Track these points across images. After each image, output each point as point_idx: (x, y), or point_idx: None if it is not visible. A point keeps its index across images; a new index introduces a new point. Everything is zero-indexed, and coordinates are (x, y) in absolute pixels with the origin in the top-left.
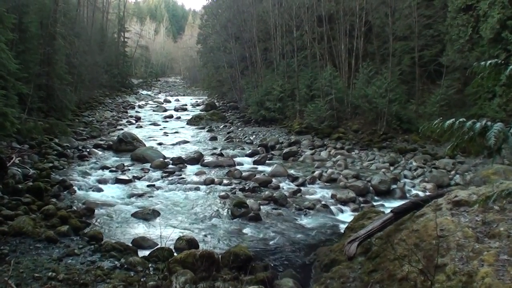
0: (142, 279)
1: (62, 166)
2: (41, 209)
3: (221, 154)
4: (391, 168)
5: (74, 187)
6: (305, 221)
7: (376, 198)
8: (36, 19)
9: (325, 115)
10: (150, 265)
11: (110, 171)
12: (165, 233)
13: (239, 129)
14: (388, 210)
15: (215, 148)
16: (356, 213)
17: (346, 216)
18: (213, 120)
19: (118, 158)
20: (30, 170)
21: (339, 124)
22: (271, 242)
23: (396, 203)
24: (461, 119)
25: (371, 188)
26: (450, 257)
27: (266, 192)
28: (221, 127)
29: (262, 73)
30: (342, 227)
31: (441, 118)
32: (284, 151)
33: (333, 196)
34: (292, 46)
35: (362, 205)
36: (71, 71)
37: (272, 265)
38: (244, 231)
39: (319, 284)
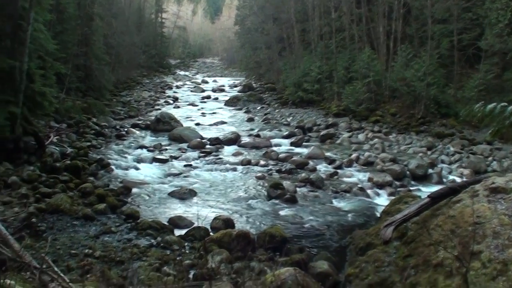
0: (178, 258)
1: (100, 145)
2: (79, 187)
3: (258, 135)
4: (428, 152)
5: (111, 166)
6: (341, 204)
7: (412, 182)
8: (74, 0)
9: (363, 98)
10: (186, 244)
11: (148, 151)
12: (201, 212)
13: (276, 111)
14: (425, 195)
15: (252, 129)
16: (393, 197)
17: (382, 199)
18: (251, 101)
19: (155, 138)
20: (68, 149)
21: (376, 107)
22: (306, 224)
23: (433, 188)
24: (502, 104)
25: (408, 172)
26: (486, 245)
27: (303, 174)
28: (258, 108)
29: (299, 55)
30: (378, 210)
31: (482, 102)
32: (321, 133)
33: (369, 180)
34: (330, 28)
35: (398, 189)
36: (109, 51)
37: (307, 247)
38: (280, 212)
39: (354, 267)
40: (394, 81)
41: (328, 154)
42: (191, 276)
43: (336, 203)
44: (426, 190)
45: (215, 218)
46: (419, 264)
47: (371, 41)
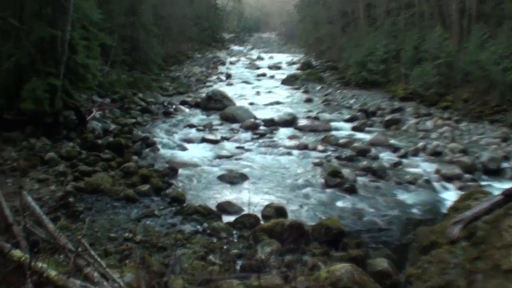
0: (225, 246)
1: (146, 122)
2: (121, 166)
3: (316, 118)
4: (503, 144)
5: (157, 145)
6: (404, 196)
7: (484, 177)
8: None
9: (432, 81)
10: (234, 232)
11: (197, 130)
12: (252, 199)
13: (338, 92)
14: (497, 191)
15: (310, 111)
16: (462, 192)
17: (450, 194)
18: (309, 80)
19: (205, 117)
20: (111, 125)
21: (447, 92)
22: (366, 217)
23: (507, 185)
24: None
25: (479, 165)
26: None
27: (364, 162)
28: (317, 88)
29: (364, 31)
30: (445, 206)
31: None
32: (386, 118)
33: (437, 171)
34: (398, 3)
35: (468, 183)
36: (157, 22)
37: (366, 242)
38: (338, 203)
39: (416, 267)
40: (467, 64)
41: (392, 141)
42: (238, 267)
43: (399, 195)
44: (499, 186)
45: (267, 206)
46: (488, 269)
47: (443, 19)
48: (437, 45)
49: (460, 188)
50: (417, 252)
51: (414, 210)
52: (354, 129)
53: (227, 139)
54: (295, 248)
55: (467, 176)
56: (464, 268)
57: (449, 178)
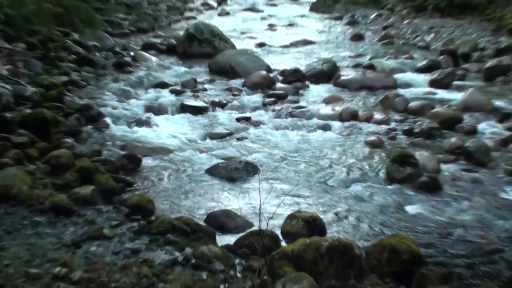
0: (222, 286)
1: (86, 82)
2: (46, 156)
3: (371, 67)
4: None
5: (106, 118)
6: None
7: None
8: None
9: None
10: (237, 260)
11: (171, 92)
12: (266, 205)
13: (405, 22)
14: None
15: (360, 55)
16: None
17: None
18: (358, 3)
19: (185, 69)
20: (28, 87)
21: None
22: (457, 231)
23: None
24: None
25: None
26: None
27: (453, 140)
28: (371, 16)
29: None
30: None
31: None
32: (488, 65)
33: None
34: None
35: None
36: None
37: (460, 273)
38: (409, 209)
39: None
40: None
41: (499, 103)
42: None
43: None
44: None
45: (291, 216)
46: None
47: None
48: None
49: None
50: None
51: None
52: (434, 84)
53: (221, 106)
54: (340, 285)
55: None
56: None
57: None
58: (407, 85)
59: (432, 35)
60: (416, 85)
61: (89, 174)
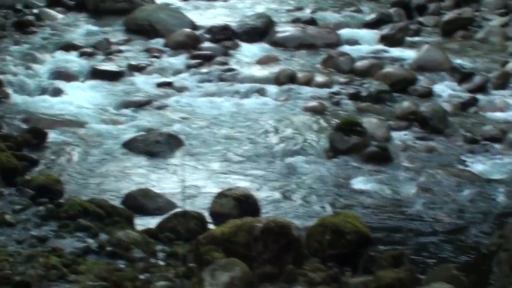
0: (142, 276)
1: None
2: None
3: (312, 22)
4: None
5: (6, 87)
6: (483, 166)
7: None
8: None
9: None
10: (159, 247)
11: (81, 55)
12: (191, 182)
13: None
14: None
15: (299, 9)
16: None
17: None
18: None
19: (98, 29)
20: None
21: None
22: (409, 208)
23: None
24: None
25: None
26: None
27: (405, 104)
28: None
29: None
30: None
31: None
32: (446, 18)
33: None
34: None
35: None
36: None
37: (411, 254)
38: (355, 183)
39: None
40: None
41: (458, 61)
42: None
43: (472, 164)
44: None
45: (220, 195)
46: None
47: None
48: None
49: None
50: (508, 268)
51: (502, 192)
52: (384, 41)
53: (139, 69)
54: (277, 271)
55: None
56: None
57: None
58: (354, 42)
59: None
60: (364, 42)
61: None
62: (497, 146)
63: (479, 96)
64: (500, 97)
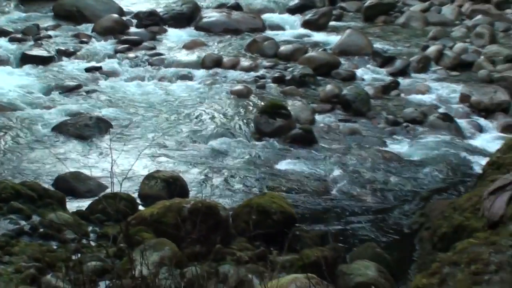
0: (74, 256)
1: None
2: None
3: (237, 7)
4: None
5: None
6: (404, 148)
7: None
8: None
9: None
10: (90, 228)
11: (11, 40)
12: (121, 165)
13: None
14: None
15: None
16: (508, 135)
17: (489, 139)
18: None
19: (26, 14)
20: None
21: None
22: (333, 188)
23: None
24: None
25: None
26: None
27: (328, 87)
28: None
29: None
30: (479, 161)
31: None
32: (368, 3)
33: (463, 99)
34: None
35: None
36: None
37: (335, 233)
38: (281, 164)
39: (429, 274)
40: None
41: (379, 46)
42: None
43: (394, 145)
44: None
45: (149, 177)
46: None
47: None
48: None
49: (507, 128)
50: (429, 246)
51: (423, 172)
52: (308, 25)
53: (68, 55)
54: (205, 250)
55: None
56: None
57: (485, 110)
58: (278, 27)
59: None
60: (288, 27)
61: None
62: (418, 128)
63: (401, 80)
64: (421, 80)
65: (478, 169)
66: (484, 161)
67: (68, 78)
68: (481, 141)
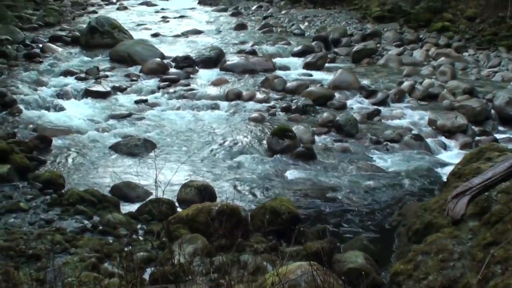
0: (126, 249)
1: (0, 72)
2: None
3: (253, 52)
4: None
5: (19, 104)
6: (385, 161)
7: (500, 128)
8: None
9: None
10: (139, 226)
11: (77, 79)
12: (162, 176)
13: (283, 12)
14: None
15: (243, 43)
16: (467, 151)
17: (451, 155)
18: None
19: (89, 59)
20: None
21: (444, 6)
22: (330, 194)
23: None
24: None
25: (492, 111)
26: None
27: (325, 114)
28: (253, 8)
29: None
30: (444, 172)
31: None
32: (355, 49)
33: (431, 123)
34: None
35: (476, 138)
36: None
37: (332, 229)
38: (288, 175)
39: (405, 261)
40: None
41: (365, 82)
42: (147, 276)
43: (377, 160)
44: None
45: (185, 185)
46: (509, 257)
47: None
48: None
49: (465, 146)
50: (405, 238)
51: (399, 180)
52: (309, 66)
53: (121, 90)
54: (229, 243)
55: (475, 127)
56: (475, 258)
57: (448, 132)
58: (285, 67)
59: (306, 23)
60: (293, 68)
61: (5, 154)
62: (395, 145)
63: (382, 108)
64: (398, 108)
65: (443, 178)
66: (447, 171)
67: (121, 108)
68: (445, 156)
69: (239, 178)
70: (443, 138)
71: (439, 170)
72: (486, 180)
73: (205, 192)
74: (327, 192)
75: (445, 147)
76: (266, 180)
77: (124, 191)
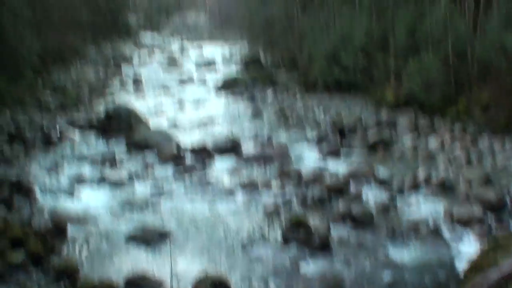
0: None
1: (16, 157)
2: None
3: (268, 140)
4: None
5: (35, 191)
6: (401, 253)
7: None
8: None
9: (436, 79)
10: None
11: (93, 166)
12: (178, 268)
13: (298, 100)
14: None
15: (259, 130)
16: (484, 242)
17: (469, 246)
18: (257, 83)
19: (105, 145)
20: None
21: (458, 94)
22: (345, 285)
23: None
24: None
25: (509, 201)
26: None
27: (340, 205)
28: (269, 95)
29: (335, 10)
30: (461, 265)
31: None
32: (370, 137)
33: (447, 213)
34: None
35: (493, 227)
36: (31, 4)
37: None
38: (303, 268)
39: None
40: (487, 50)
41: (380, 171)
42: None
43: (393, 252)
44: None
45: (200, 279)
46: None
47: None
48: (443, 26)
49: (482, 236)
50: None
51: (417, 275)
52: (324, 155)
53: (138, 178)
54: None
55: (491, 216)
56: None
57: (465, 222)
58: (300, 157)
59: (321, 111)
60: (308, 156)
61: (20, 241)
62: (412, 237)
63: (398, 198)
64: (413, 198)
65: (460, 271)
66: (464, 264)
67: (138, 197)
68: (462, 247)
69: (254, 270)
70: (459, 229)
71: (455, 262)
72: (504, 272)
73: (221, 286)
74: (342, 282)
75: (461, 238)
76: (282, 272)
77: (139, 283)
